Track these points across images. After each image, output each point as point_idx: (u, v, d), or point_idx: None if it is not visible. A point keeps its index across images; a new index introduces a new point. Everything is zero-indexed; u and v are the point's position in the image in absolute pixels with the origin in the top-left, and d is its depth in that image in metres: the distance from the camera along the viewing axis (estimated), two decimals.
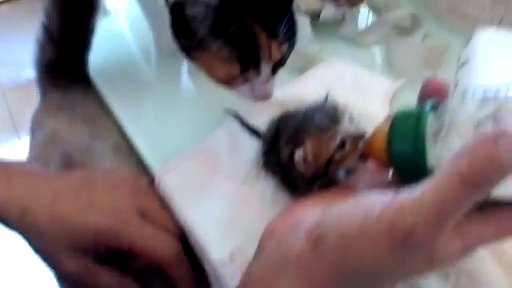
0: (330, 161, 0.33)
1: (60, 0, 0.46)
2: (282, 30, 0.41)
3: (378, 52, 0.56)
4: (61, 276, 0.41)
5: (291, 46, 0.44)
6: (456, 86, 0.46)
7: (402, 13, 0.58)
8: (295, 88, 0.52)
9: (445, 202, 0.23)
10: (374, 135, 0.32)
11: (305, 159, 0.33)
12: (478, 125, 0.26)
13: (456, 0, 0.56)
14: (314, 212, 0.29)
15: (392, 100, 0.51)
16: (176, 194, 0.42)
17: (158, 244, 0.40)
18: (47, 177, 0.41)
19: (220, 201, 0.41)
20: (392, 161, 0.31)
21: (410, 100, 0.54)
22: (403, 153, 0.30)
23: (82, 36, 0.49)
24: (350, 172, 0.36)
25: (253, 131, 0.47)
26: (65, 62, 0.47)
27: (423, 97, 0.32)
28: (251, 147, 0.45)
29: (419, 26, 0.57)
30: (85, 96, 0.47)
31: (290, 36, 0.43)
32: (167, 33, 0.58)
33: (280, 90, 0.51)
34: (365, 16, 0.63)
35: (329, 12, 0.57)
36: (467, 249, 0.25)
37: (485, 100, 0.27)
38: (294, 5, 0.57)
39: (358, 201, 0.27)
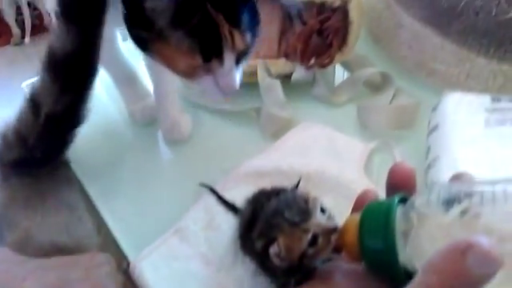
0: (303, 255, 0.32)
1: (43, 114, 0.44)
2: (244, 18, 0.40)
3: (351, 111, 0.57)
4: None
5: (255, 35, 0.42)
6: (428, 150, 0.47)
7: (371, 71, 0.59)
8: (271, 156, 0.52)
9: None
10: (344, 229, 0.32)
11: (278, 254, 0.32)
12: (447, 229, 0.26)
13: (423, 57, 0.58)
14: None
15: (367, 163, 0.52)
16: (151, 283, 0.41)
17: None
18: (22, 277, 0.39)
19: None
20: (363, 257, 0.30)
21: (383, 162, 0.55)
22: (374, 250, 0.29)
23: (62, 144, 0.47)
24: (325, 261, 0.35)
25: (229, 207, 0.47)
26: (35, 161, 0.45)
27: (391, 185, 0.32)
28: (228, 225, 0.44)
29: (390, 83, 0.58)
30: (54, 180, 0.46)
31: (252, 25, 0.41)
32: (140, 103, 0.58)
33: (256, 159, 0.51)
34: (337, 74, 0.64)
35: (300, 74, 0.58)
36: None
37: (451, 201, 0.27)
38: (265, 67, 0.58)
39: None
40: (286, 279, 0.35)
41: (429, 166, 0.44)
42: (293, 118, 0.56)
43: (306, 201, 0.34)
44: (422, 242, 0.27)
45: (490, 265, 0.22)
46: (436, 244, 0.26)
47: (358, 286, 0.32)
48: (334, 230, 0.33)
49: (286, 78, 0.59)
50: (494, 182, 0.26)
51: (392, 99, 0.57)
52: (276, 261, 0.33)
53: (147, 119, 0.58)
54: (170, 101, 0.56)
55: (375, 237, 0.30)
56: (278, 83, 0.57)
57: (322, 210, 0.34)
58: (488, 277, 0.22)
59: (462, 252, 0.23)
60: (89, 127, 0.47)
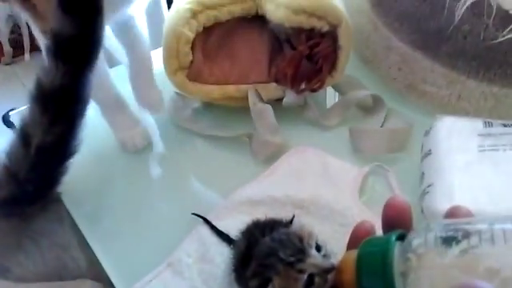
0: None
1: (33, 145, 0.42)
2: None
3: (343, 134, 0.57)
4: None
5: None
6: (422, 176, 0.47)
7: (363, 93, 0.59)
8: (264, 183, 0.51)
9: None
10: (341, 267, 0.31)
11: None
12: (447, 271, 0.25)
13: (413, 79, 0.58)
14: None
15: (361, 187, 0.51)
16: None
17: None
18: None
19: None
20: None
21: (378, 186, 0.54)
22: None
23: (54, 177, 0.45)
24: None
25: (224, 238, 0.46)
26: (26, 197, 0.44)
27: (387, 220, 0.32)
28: (222, 258, 0.43)
29: (381, 106, 0.58)
30: (46, 220, 0.45)
31: None
32: (130, 131, 0.57)
33: (249, 187, 0.51)
34: (329, 96, 0.64)
35: (290, 98, 0.58)
36: None
37: (449, 240, 0.26)
38: (255, 92, 0.58)
39: None
40: None
41: (423, 193, 0.43)
42: (285, 143, 0.56)
43: (301, 238, 0.33)
44: (422, 285, 0.26)
45: None
46: (436, 286, 0.26)
47: None
48: (331, 269, 0.32)
49: (277, 103, 0.58)
50: (492, 221, 0.26)
51: (384, 121, 0.57)
52: None
53: (138, 147, 0.57)
54: (144, 77, 0.58)
55: (373, 277, 0.29)
56: (269, 108, 0.57)
57: (318, 248, 0.33)
58: None
59: None
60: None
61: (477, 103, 0.53)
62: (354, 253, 0.32)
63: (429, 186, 0.43)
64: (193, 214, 0.48)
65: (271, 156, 0.55)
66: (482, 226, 0.26)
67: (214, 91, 0.57)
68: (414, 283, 0.27)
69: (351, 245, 0.34)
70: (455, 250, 0.26)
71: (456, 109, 0.54)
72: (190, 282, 0.42)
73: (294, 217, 0.35)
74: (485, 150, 0.42)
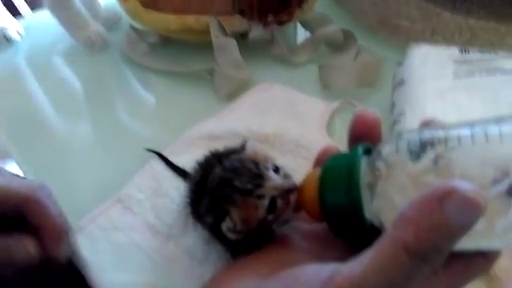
0: (262, 223, 0.28)
1: None
2: None
3: (311, 71, 0.53)
4: None
5: None
6: (393, 106, 0.44)
7: (333, 29, 0.55)
8: (226, 118, 0.48)
9: (393, 281, 0.19)
10: (303, 186, 0.28)
11: (233, 229, 0.28)
12: (420, 178, 0.23)
13: (387, 13, 0.54)
14: (244, 286, 0.24)
15: (329, 123, 0.48)
16: (87, 257, 0.36)
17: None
18: None
19: (141, 263, 0.35)
20: (325, 215, 0.27)
21: (347, 121, 0.51)
22: (336, 206, 0.26)
23: None
24: (284, 222, 0.31)
25: (178, 172, 0.42)
26: None
27: (353, 136, 0.29)
28: (177, 192, 0.40)
29: (352, 42, 0.55)
30: None
31: None
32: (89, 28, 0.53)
33: (209, 122, 0.47)
34: (299, 33, 0.60)
35: (257, 32, 0.53)
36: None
37: (422, 147, 0.23)
38: (218, 25, 0.53)
39: (288, 279, 0.22)
40: (242, 247, 0.31)
41: (394, 122, 0.41)
42: (250, 79, 0.52)
43: (256, 163, 0.29)
44: (391, 194, 0.23)
45: (472, 212, 0.19)
46: (407, 195, 0.23)
47: (320, 247, 0.28)
48: (293, 189, 0.29)
49: (241, 37, 0.54)
50: (469, 124, 0.23)
51: (355, 58, 0.53)
52: (231, 235, 0.29)
53: (103, 41, 0.55)
54: None
55: (337, 191, 0.26)
56: (233, 42, 0.52)
57: (276, 169, 0.30)
58: (469, 226, 0.19)
59: (440, 200, 0.19)
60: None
61: (451, 37, 0.50)
62: (318, 170, 0.29)
63: (400, 114, 0.40)
64: (146, 149, 0.44)
65: (234, 93, 0.51)
66: (459, 131, 0.23)
67: (171, 21, 0.52)
68: (382, 194, 0.24)
69: (315, 166, 0.31)
70: (430, 154, 0.23)
71: (430, 44, 0.51)
72: (142, 218, 0.38)
73: (246, 142, 0.31)
74: (460, 77, 0.39)
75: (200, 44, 0.54)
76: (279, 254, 0.28)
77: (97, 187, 0.42)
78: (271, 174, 0.29)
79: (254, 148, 0.30)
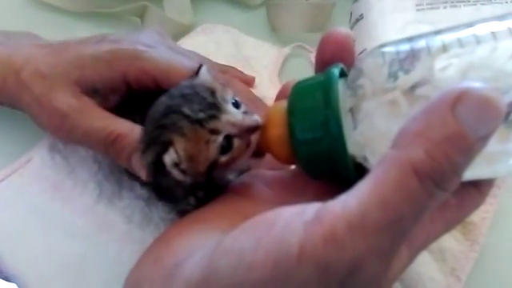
0: (213, 166, 0.23)
1: None
2: None
3: (261, 15, 0.48)
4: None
5: None
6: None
7: None
8: None
9: (398, 215, 0.15)
10: (267, 123, 0.23)
11: (178, 163, 0.23)
12: (413, 91, 0.18)
13: None
14: (198, 246, 0.19)
15: (281, 70, 0.43)
16: None
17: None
18: None
19: (64, 235, 0.29)
20: (297, 153, 0.22)
21: (300, 69, 0.47)
22: (311, 143, 0.21)
23: None
24: (243, 171, 0.26)
25: None
26: None
27: (322, 58, 0.24)
28: None
29: None
30: None
31: None
32: None
33: None
34: None
35: None
36: (414, 257, 0.19)
37: (416, 57, 0.19)
38: None
39: (261, 226, 0.17)
40: (189, 202, 0.25)
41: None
42: (194, 23, 0.45)
43: (213, 91, 0.24)
44: (380, 116, 0.19)
45: (491, 115, 0.15)
46: (401, 114, 0.19)
47: (288, 196, 0.24)
48: (255, 127, 0.24)
49: None
50: (452, 29, 0.20)
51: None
52: (176, 173, 0.23)
53: None
54: None
55: (311, 121, 0.21)
56: None
57: (236, 104, 0.24)
58: (488, 135, 0.15)
59: (451, 106, 0.15)
60: None
61: None
62: (283, 102, 0.24)
63: (360, 52, 0.36)
64: None
65: (176, 36, 0.44)
66: (460, 32, 0.19)
67: None
68: (368, 117, 0.20)
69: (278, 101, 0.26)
70: (426, 63, 0.19)
71: None
72: (62, 182, 0.31)
73: (200, 66, 0.25)
74: (424, 9, 0.36)
75: None
76: (239, 205, 0.23)
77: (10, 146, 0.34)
78: (230, 107, 0.23)
79: (211, 74, 0.25)
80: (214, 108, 0.23)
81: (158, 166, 0.23)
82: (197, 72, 0.25)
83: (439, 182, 0.15)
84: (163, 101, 0.24)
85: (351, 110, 0.20)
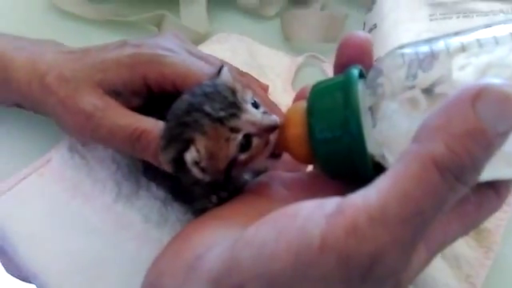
0: (231, 164, 0.23)
1: None
2: None
3: (275, 25, 0.49)
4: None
5: None
6: None
7: None
8: None
9: (419, 207, 0.15)
10: (286, 123, 0.24)
11: (198, 162, 0.23)
12: (431, 87, 0.19)
13: None
14: (217, 241, 0.19)
15: (294, 79, 0.44)
16: (15, 227, 0.29)
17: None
18: None
19: (82, 233, 0.29)
20: (316, 152, 0.22)
21: (313, 77, 0.48)
22: (331, 142, 0.22)
23: None
24: (260, 172, 0.27)
25: None
26: None
27: (341, 60, 0.25)
28: None
29: None
30: None
31: None
32: None
33: None
34: None
35: None
36: (431, 258, 0.19)
37: (434, 57, 0.20)
38: None
39: (282, 218, 0.18)
40: (208, 200, 0.26)
41: None
42: (210, 32, 0.46)
43: (234, 91, 0.24)
44: (400, 114, 0.20)
45: (510, 112, 0.15)
46: (421, 111, 0.19)
47: (304, 196, 0.24)
48: (274, 127, 0.24)
49: None
50: (470, 31, 0.20)
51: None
52: (196, 171, 0.23)
53: None
54: None
55: (331, 120, 0.22)
56: None
57: (255, 104, 0.25)
58: (508, 130, 0.16)
59: (472, 101, 0.15)
60: None
61: None
62: (302, 103, 0.24)
63: (374, 60, 0.37)
64: None
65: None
66: (479, 33, 0.20)
67: None
68: (387, 115, 0.20)
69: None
70: (445, 63, 0.19)
71: None
72: (80, 181, 0.32)
73: (222, 67, 0.26)
74: (437, 19, 0.37)
75: None
76: (257, 204, 0.24)
77: (27, 146, 0.35)
78: (249, 107, 0.24)
79: (232, 74, 0.25)
80: (234, 107, 0.23)
81: (178, 163, 0.23)
82: (218, 72, 0.26)
83: (459, 175, 0.15)
84: (186, 98, 0.25)
85: (370, 109, 0.20)
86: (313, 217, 0.16)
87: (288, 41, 0.47)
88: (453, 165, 0.15)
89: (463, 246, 0.31)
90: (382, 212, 0.15)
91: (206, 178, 0.24)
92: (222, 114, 0.23)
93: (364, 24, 0.42)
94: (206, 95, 0.24)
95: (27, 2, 0.48)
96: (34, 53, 0.33)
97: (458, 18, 0.36)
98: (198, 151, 0.23)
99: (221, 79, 0.25)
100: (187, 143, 0.23)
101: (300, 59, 0.45)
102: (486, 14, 0.36)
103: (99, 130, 0.29)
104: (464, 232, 0.20)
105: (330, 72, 0.44)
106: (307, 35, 0.47)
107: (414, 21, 0.37)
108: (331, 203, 0.17)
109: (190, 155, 0.23)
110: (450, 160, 0.15)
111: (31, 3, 0.48)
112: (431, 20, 0.37)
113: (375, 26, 0.39)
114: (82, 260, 0.28)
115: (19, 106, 0.34)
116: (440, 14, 0.37)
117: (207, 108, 0.23)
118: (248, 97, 0.25)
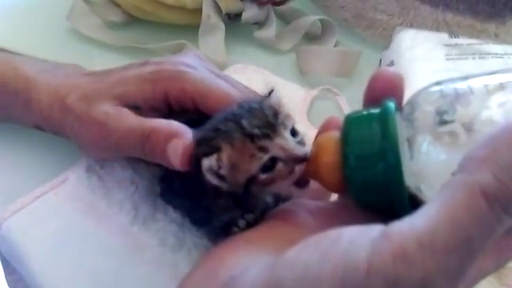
0: (251, 180, 0.23)
1: None
2: None
3: (290, 59, 0.50)
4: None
5: None
6: None
7: (313, 18, 0.52)
8: None
9: (467, 235, 0.15)
10: (318, 151, 0.24)
11: (216, 171, 0.23)
12: (471, 122, 0.19)
13: (363, 7, 0.53)
14: (251, 263, 0.19)
15: (309, 111, 0.45)
16: (28, 245, 0.28)
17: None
18: None
19: (97, 254, 0.28)
20: (350, 182, 0.22)
21: (328, 111, 0.48)
22: (366, 172, 0.22)
23: None
24: (284, 199, 0.27)
25: None
26: None
27: (372, 95, 0.25)
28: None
29: (331, 33, 0.52)
30: None
31: None
32: None
33: None
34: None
35: (251, 13, 0.49)
36: (502, 264, 0.20)
37: (474, 92, 0.20)
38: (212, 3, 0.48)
39: (324, 241, 0.17)
40: (240, 224, 0.26)
41: None
42: (228, 63, 0.47)
43: (276, 113, 0.25)
44: (437, 149, 0.20)
45: None
46: (461, 145, 0.19)
47: (330, 225, 0.24)
48: (302, 159, 0.24)
49: (231, 19, 0.49)
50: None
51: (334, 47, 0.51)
52: (210, 177, 0.23)
53: None
54: None
55: (368, 149, 0.22)
56: (222, 27, 0.48)
57: (294, 132, 0.25)
58: None
59: None
60: None
61: None
62: (334, 132, 0.24)
63: None
64: None
65: None
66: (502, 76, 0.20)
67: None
68: (426, 146, 0.20)
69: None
70: (484, 97, 0.19)
71: None
72: (95, 202, 0.31)
73: (272, 90, 0.27)
74: (453, 59, 0.38)
75: (167, 25, 0.49)
76: (284, 230, 0.23)
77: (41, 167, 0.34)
78: (286, 133, 0.24)
79: (280, 99, 0.26)
80: (270, 128, 0.24)
81: (197, 165, 0.24)
82: (269, 93, 0.26)
83: (506, 205, 0.15)
84: (233, 107, 0.25)
85: (408, 140, 0.21)
86: (357, 241, 0.16)
87: (303, 74, 0.48)
88: (500, 194, 0.15)
89: (483, 283, 0.30)
90: (431, 238, 0.15)
91: (224, 186, 0.24)
92: (255, 131, 0.23)
93: (380, 61, 0.43)
94: (249, 110, 0.24)
95: (48, 27, 0.49)
96: (57, 75, 0.33)
97: (473, 58, 0.38)
98: (219, 160, 0.23)
99: (269, 100, 0.25)
100: (213, 149, 0.23)
101: (315, 92, 0.46)
102: (501, 56, 0.38)
103: (111, 136, 0.28)
104: (496, 268, 0.20)
105: (343, 105, 0.45)
106: (322, 69, 0.48)
107: (431, 60, 0.38)
108: (375, 229, 0.17)
109: (208, 162, 0.23)
110: (498, 190, 0.15)
111: (52, 28, 0.49)
112: (447, 60, 0.38)
113: (392, 62, 0.40)
114: (95, 282, 0.27)
115: (39, 127, 0.33)
116: (455, 55, 0.38)
117: (244, 122, 0.24)
118: (289, 123, 0.25)
